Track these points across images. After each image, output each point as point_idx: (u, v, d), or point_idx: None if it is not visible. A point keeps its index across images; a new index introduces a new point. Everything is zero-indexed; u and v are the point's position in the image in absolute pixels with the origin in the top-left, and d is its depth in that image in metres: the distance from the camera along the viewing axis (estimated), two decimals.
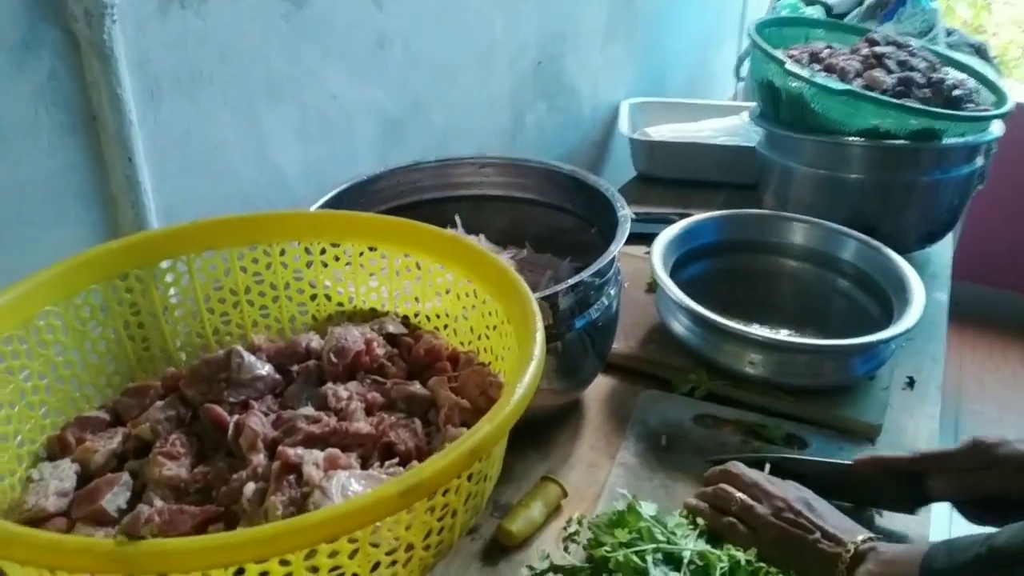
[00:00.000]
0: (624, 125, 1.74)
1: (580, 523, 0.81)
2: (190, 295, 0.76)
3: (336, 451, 0.58)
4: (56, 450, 0.62)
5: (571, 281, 0.83)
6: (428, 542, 0.55)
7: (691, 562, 0.72)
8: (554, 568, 0.73)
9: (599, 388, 1.06)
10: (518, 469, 0.92)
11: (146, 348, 0.74)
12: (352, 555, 0.50)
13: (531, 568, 0.74)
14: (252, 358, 0.68)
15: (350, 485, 0.55)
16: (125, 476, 0.58)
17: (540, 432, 0.98)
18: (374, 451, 0.61)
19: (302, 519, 0.46)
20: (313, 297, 0.83)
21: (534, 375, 0.57)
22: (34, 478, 0.57)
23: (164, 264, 0.74)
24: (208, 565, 0.44)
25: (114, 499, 0.55)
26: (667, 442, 0.94)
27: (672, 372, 1.07)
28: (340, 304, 0.83)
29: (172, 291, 0.75)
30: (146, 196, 0.80)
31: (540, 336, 0.60)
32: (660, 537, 0.74)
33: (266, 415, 0.63)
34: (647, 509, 0.78)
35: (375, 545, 0.51)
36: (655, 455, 0.93)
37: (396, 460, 0.61)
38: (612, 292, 0.92)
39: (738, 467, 0.81)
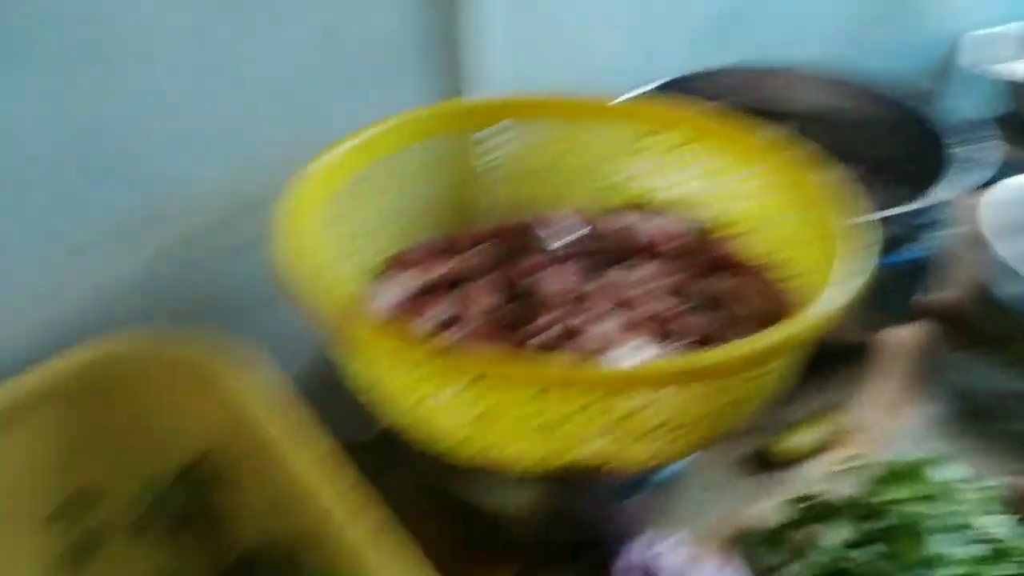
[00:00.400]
0: (969, 58, 1.51)
1: (859, 465, 0.76)
2: (508, 161, 0.80)
3: (635, 316, 0.61)
4: (393, 268, 0.70)
5: (899, 210, 0.75)
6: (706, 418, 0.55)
7: (993, 542, 0.64)
8: (824, 504, 0.69)
9: (901, 335, 0.97)
10: (796, 395, 0.85)
11: (465, 205, 0.81)
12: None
13: (802, 499, 0.71)
14: (567, 220, 0.72)
15: (643, 351, 0.57)
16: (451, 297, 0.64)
17: (827, 364, 0.91)
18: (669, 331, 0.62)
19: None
20: (616, 187, 0.84)
21: (847, 295, 0.55)
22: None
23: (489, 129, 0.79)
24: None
25: (437, 314, 0.62)
26: (979, 410, 0.84)
27: (993, 337, 0.94)
28: (640, 196, 0.83)
29: (493, 155, 0.79)
30: (483, 63, 0.85)
31: (858, 259, 0.57)
32: (959, 508, 0.66)
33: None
34: (951, 471, 0.69)
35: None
36: (962, 420, 0.84)
37: (693, 339, 0.62)
38: (940, 233, 0.82)
39: None
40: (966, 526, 0.64)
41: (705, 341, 0.62)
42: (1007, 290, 0.94)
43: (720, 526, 0.73)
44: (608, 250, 0.71)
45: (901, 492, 0.67)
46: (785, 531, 0.68)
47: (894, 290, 0.86)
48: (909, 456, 0.72)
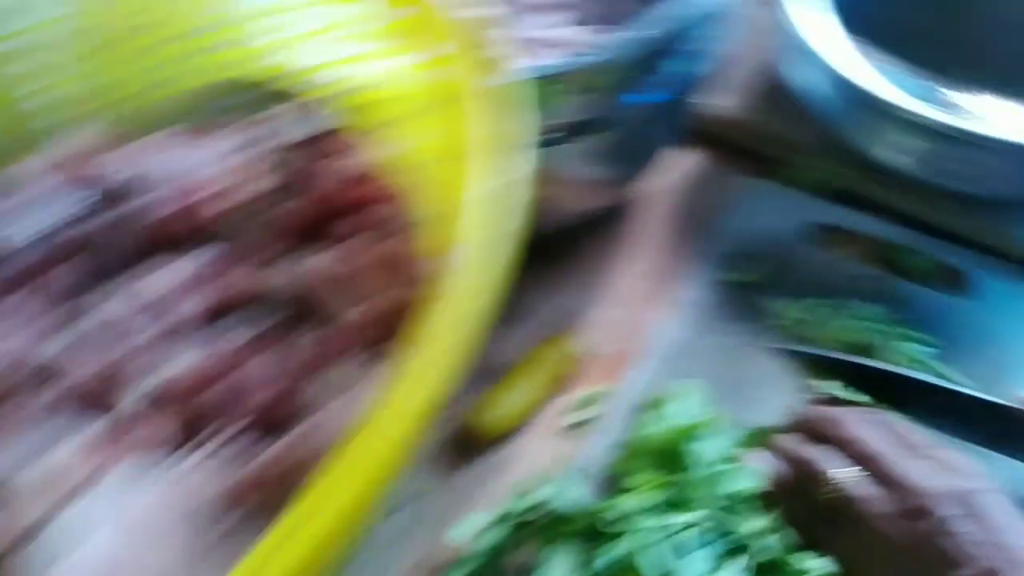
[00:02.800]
0: None
1: (593, 424, 0.55)
2: None
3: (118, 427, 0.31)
4: None
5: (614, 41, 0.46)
6: None
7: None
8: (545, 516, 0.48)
9: (674, 170, 0.71)
10: (525, 302, 0.63)
11: None
12: None
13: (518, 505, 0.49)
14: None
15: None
16: None
17: (567, 245, 0.67)
18: (202, 410, 0.34)
19: None
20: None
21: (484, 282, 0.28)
22: None
23: None
24: None
25: None
26: (761, 273, 0.63)
27: (791, 153, 0.69)
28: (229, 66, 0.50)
29: None
30: None
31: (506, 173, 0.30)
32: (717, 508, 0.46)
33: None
34: (712, 441, 0.49)
35: None
36: (738, 296, 0.62)
37: (245, 423, 0.34)
38: (710, 38, 0.55)
39: (844, 418, 0.47)
40: (726, 533, 0.46)
41: (269, 424, 0.34)
42: (801, 81, 0.69)
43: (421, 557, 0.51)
44: (113, 241, 0.38)
45: (644, 488, 0.47)
46: (495, 559, 0.49)
47: (648, 133, 0.60)
48: (665, 420, 0.51)
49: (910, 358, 0.55)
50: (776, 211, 0.66)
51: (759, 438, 0.51)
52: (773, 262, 0.63)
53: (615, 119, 0.53)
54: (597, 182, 0.60)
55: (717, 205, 0.68)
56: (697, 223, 0.67)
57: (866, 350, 0.56)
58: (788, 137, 0.69)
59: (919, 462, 0.43)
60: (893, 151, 0.62)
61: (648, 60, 0.49)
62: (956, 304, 0.59)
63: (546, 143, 0.51)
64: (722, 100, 0.71)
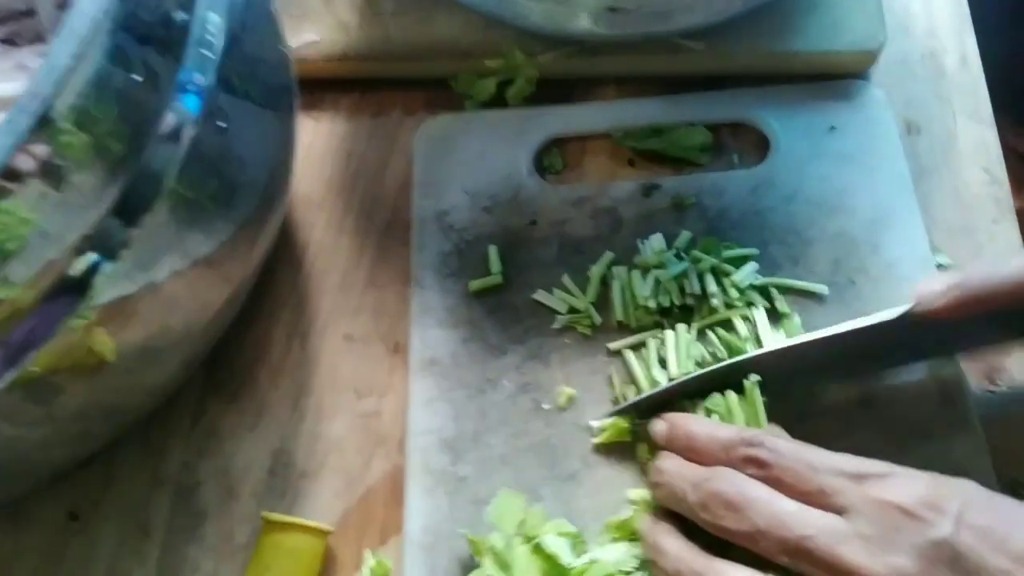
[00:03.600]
0: None
1: None
2: None
3: None
4: None
5: None
6: None
7: None
8: None
9: (314, 152, 0.47)
10: (205, 479, 0.39)
11: None
12: None
13: None
14: None
15: None
16: None
17: (232, 360, 0.41)
18: None
19: None
20: None
21: None
22: None
23: None
24: None
25: None
26: (500, 259, 0.42)
27: (450, 64, 0.48)
28: None
29: None
30: None
31: None
32: None
33: None
34: None
35: None
36: (491, 306, 0.41)
37: None
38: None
39: (723, 430, 0.33)
40: None
41: None
42: None
43: None
44: None
45: None
46: None
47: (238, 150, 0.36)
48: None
49: (743, 297, 0.39)
50: (480, 151, 0.46)
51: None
52: (508, 233, 0.43)
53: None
54: (216, 256, 0.35)
55: (404, 178, 0.46)
56: (389, 219, 0.45)
57: (685, 311, 0.40)
58: (447, 42, 0.48)
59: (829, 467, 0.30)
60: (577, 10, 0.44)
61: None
62: (759, 177, 0.44)
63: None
64: (317, 36, 0.48)
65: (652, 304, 0.39)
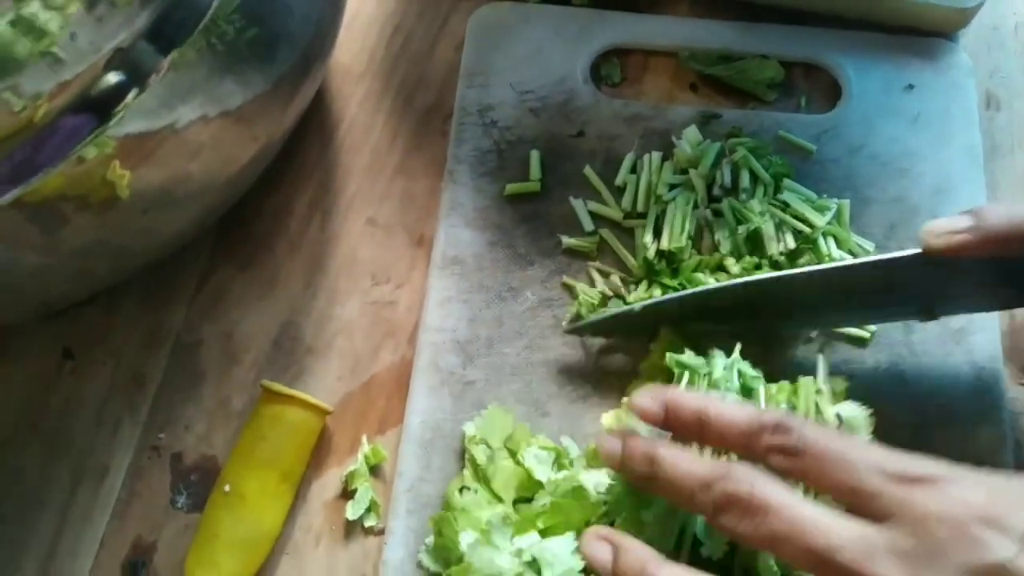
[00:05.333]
0: None
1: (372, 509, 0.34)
2: None
3: None
4: None
5: None
6: None
7: None
8: None
9: (362, 37, 0.43)
10: (215, 341, 0.37)
11: None
12: None
13: None
14: None
15: None
16: None
17: (249, 222, 0.39)
18: None
19: None
20: None
21: None
22: None
23: None
24: None
25: None
26: (541, 165, 0.39)
27: None
28: None
29: None
30: None
31: None
32: None
33: None
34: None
35: None
36: (525, 213, 0.38)
37: None
38: None
39: (711, 402, 0.28)
40: None
41: None
42: None
43: None
44: None
45: None
46: None
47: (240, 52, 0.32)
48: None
49: (805, 236, 0.36)
50: (536, 48, 0.42)
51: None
52: (552, 139, 0.40)
53: None
54: (246, 109, 0.32)
55: (452, 62, 0.43)
56: (431, 104, 0.42)
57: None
58: None
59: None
60: None
61: None
62: (825, 124, 0.40)
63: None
64: None
65: (666, 193, 0.37)
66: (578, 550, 0.28)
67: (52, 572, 0.33)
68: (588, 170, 0.39)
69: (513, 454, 0.33)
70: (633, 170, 0.39)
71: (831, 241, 0.37)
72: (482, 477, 0.33)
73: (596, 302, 0.36)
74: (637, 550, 0.27)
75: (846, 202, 0.38)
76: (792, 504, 0.24)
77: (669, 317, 0.34)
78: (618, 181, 0.39)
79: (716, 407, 0.28)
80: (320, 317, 0.37)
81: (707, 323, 0.34)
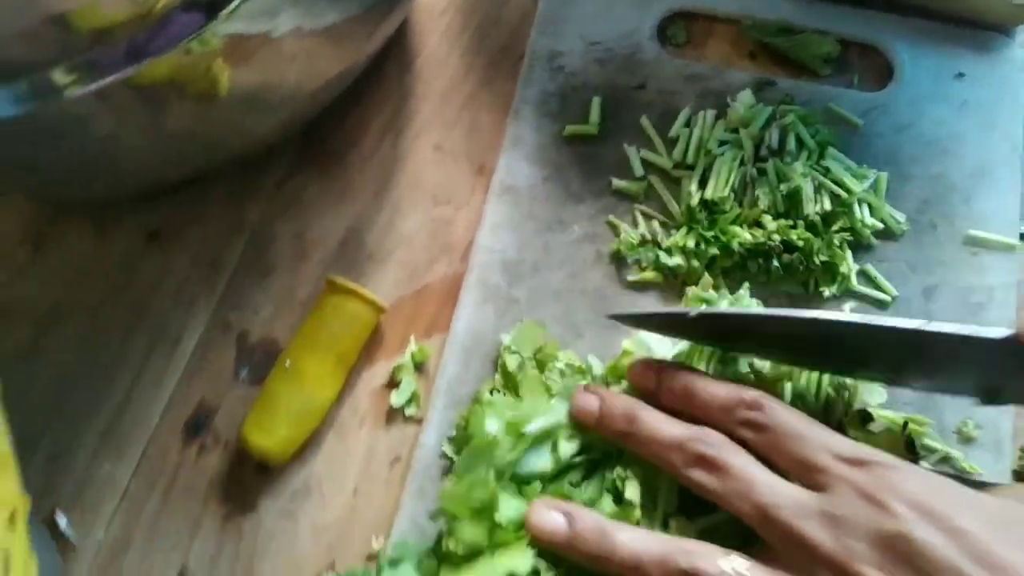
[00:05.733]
0: None
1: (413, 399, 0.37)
2: None
3: None
4: None
5: None
6: None
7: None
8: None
9: None
10: (287, 232, 0.40)
11: None
12: None
13: None
14: None
15: None
16: None
17: (328, 131, 0.43)
18: None
19: None
20: None
21: None
22: None
23: None
24: None
25: None
26: (600, 112, 0.41)
27: None
28: None
29: None
30: None
31: None
32: None
33: None
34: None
35: None
36: (580, 154, 0.41)
37: None
38: None
39: (706, 383, 0.31)
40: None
41: None
42: None
43: None
44: None
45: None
46: None
47: None
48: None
49: (842, 200, 0.38)
50: (608, 4, 0.45)
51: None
52: (614, 89, 0.42)
53: None
54: (337, 29, 0.35)
55: (527, 8, 0.45)
56: (503, 45, 0.45)
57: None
58: None
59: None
60: None
61: None
62: (874, 101, 0.42)
63: None
64: None
65: (716, 148, 0.40)
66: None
67: (123, 424, 0.37)
68: (644, 120, 0.42)
69: (541, 365, 0.36)
70: (687, 125, 0.41)
71: (865, 208, 0.39)
72: (510, 383, 0.36)
73: (636, 242, 0.39)
74: (592, 515, 0.30)
75: (884, 174, 0.40)
76: (749, 467, 0.28)
77: (719, 332, 0.33)
78: (671, 133, 0.41)
79: (703, 381, 0.31)
80: (383, 228, 0.40)
81: (755, 346, 0.33)
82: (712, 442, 0.29)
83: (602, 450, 0.32)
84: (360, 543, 0.35)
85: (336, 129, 0.42)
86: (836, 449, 0.28)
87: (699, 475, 0.29)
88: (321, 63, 0.38)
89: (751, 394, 0.30)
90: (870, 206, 0.39)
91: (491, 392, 0.36)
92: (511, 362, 0.36)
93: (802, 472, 0.28)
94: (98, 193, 0.40)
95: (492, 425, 0.32)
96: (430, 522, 0.34)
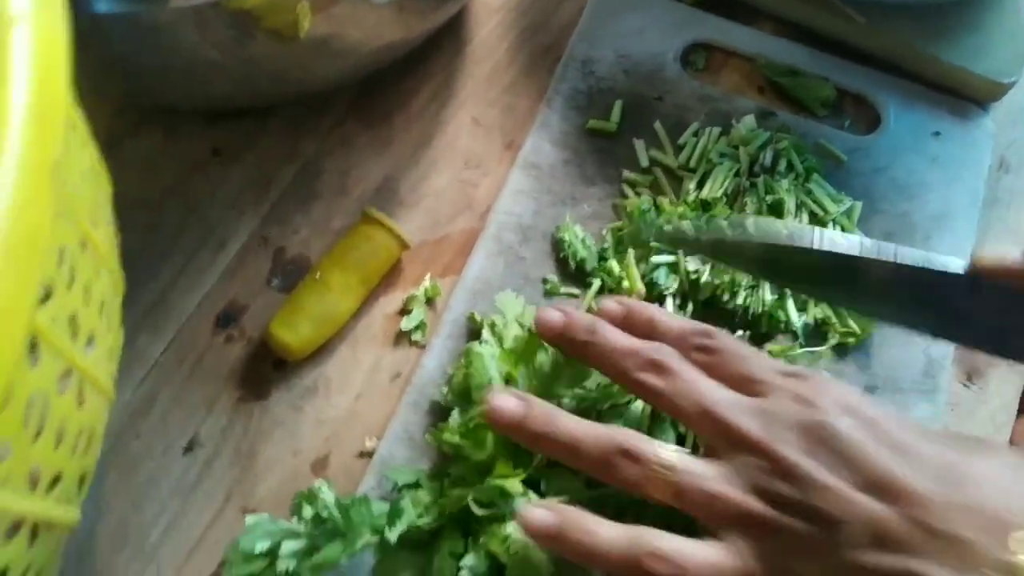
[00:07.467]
0: None
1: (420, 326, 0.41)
2: None
3: None
4: None
5: None
6: None
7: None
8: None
9: None
10: (331, 170, 0.44)
11: None
12: None
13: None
14: None
15: None
16: None
17: (377, 93, 0.47)
18: None
19: None
20: None
21: None
22: None
23: None
24: None
25: None
26: (621, 113, 0.46)
27: None
28: None
29: None
30: None
31: None
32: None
33: None
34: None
35: None
36: (598, 146, 0.46)
37: None
38: None
39: (661, 313, 0.34)
40: None
41: None
42: None
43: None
44: None
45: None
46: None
47: None
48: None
49: (818, 218, 0.43)
50: (641, 27, 0.50)
51: None
52: (636, 97, 0.47)
53: None
54: (405, 3, 0.40)
55: (571, 19, 0.50)
56: (546, 45, 0.50)
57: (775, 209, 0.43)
58: None
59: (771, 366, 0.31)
60: None
61: None
62: (859, 144, 0.47)
63: None
64: None
65: (716, 158, 0.44)
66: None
67: (164, 306, 0.41)
68: (658, 125, 0.46)
69: (522, 326, 0.40)
70: (695, 135, 0.46)
71: (838, 228, 0.43)
72: (498, 335, 0.39)
73: (644, 207, 0.43)
74: (545, 404, 0.32)
75: (859, 203, 0.45)
76: (694, 373, 0.31)
77: (733, 254, 0.34)
78: (680, 140, 0.46)
79: (665, 314, 0.34)
80: (416, 180, 0.45)
81: (768, 275, 0.36)
82: (664, 352, 0.31)
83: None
84: (355, 441, 0.38)
85: (389, 89, 0.47)
86: (777, 368, 0.31)
87: (648, 377, 0.31)
88: (386, 28, 0.43)
89: (705, 327, 0.33)
90: (843, 227, 0.44)
91: (479, 342, 0.39)
92: (498, 320, 0.40)
93: (744, 384, 0.30)
94: (173, 101, 0.44)
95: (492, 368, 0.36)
96: (418, 432, 0.38)
